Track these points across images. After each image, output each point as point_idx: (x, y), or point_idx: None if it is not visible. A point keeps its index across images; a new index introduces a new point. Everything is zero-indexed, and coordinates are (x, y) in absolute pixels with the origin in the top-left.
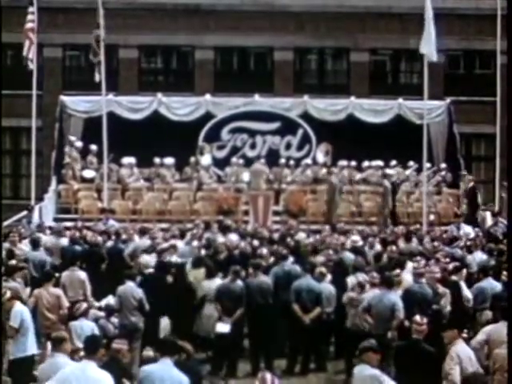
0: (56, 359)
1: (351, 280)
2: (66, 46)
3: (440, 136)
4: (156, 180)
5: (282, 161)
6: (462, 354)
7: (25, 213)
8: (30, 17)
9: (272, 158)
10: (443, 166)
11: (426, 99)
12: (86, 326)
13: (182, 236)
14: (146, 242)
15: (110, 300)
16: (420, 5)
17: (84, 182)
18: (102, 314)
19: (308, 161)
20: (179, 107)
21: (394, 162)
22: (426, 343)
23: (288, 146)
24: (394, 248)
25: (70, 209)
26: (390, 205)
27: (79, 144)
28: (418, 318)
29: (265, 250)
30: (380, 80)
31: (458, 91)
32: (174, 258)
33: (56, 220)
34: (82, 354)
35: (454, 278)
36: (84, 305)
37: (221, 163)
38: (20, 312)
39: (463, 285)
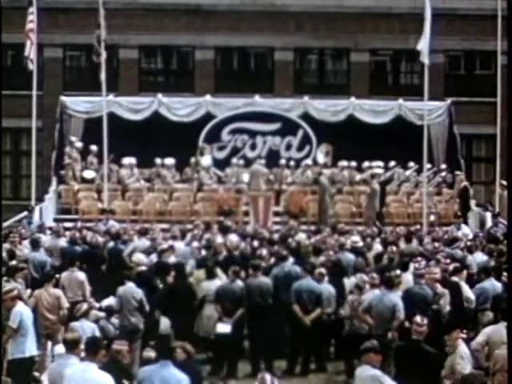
0: (68, 361)
1: (351, 281)
2: (66, 46)
3: (440, 137)
4: (156, 181)
5: (283, 161)
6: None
7: (25, 213)
8: (30, 17)
9: (272, 158)
10: (443, 166)
11: (427, 100)
12: (86, 327)
13: (182, 237)
14: (145, 242)
15: (111, 301)
16: (420, 5)
17: (84, 182)
18: (102, 314)
19: (308, 161)
20: (179, 108)
21: (392, 163)
22: (426, 344)
23: (288, 147)
24: (394, 248)
25: (71, 209)
26: (377, 206)
27: (79, 144)
28: (418, 318)
29: (265, 251)
30: (380, 80)
31: (459, 92)
32: (172, 259)
33: (56, 220)
34: (82, 354)
35: (454, 278)
36: (85, 305)
37: (221, 164)
38: (20, 312)
39: (465, 286)
